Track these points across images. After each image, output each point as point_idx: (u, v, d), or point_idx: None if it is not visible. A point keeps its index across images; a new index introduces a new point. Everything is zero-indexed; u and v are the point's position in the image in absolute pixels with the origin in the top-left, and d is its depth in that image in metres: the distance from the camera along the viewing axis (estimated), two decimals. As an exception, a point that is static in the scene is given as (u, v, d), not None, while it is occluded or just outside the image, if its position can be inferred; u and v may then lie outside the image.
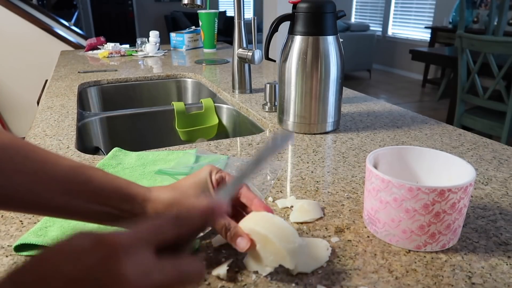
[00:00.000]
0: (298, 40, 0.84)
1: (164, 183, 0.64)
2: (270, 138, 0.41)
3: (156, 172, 0.63)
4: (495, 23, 3.44)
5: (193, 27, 2.29)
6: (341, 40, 0.88)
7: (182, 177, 0.49)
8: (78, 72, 1.54)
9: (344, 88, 1.17)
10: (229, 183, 0.39)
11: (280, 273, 0.44)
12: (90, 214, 0.42)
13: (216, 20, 2.01)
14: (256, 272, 0.44)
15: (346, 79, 5.68)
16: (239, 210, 0.49)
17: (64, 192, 0.40)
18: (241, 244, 0.41)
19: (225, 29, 7.08)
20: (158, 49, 1.97)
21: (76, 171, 0.40)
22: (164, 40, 2.12)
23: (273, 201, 0.60)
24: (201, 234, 0.50)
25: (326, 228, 0.53)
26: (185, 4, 1.16)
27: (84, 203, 0.41)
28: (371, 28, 6.33)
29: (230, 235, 0.42)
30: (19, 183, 0.37)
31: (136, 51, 1.97)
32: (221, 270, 0.43)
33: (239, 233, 0.42)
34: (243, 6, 1.14)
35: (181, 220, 0.31)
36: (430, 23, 5.59)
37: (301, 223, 0.54)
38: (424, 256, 0.47)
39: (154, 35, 1.93)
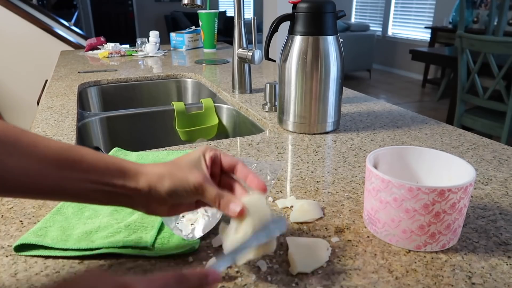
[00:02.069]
0: (298, 40, 0.84)
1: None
2: (266, 221, 0.41)
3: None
4: (495, 23, 3.44)
5: (193, 27, 2.29)
6: (341, 40, 0.88)
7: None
8: (78, 72, 1.54)
9: (344, 88, 1.17)
10: (225, 256, 0.40)
11: (280, 273, 0.44)
12: (83, 194, 0.42)
13: (216, 20, 2.01)
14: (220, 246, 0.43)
15: (346, 79, 5.69)
16: (231, 183, 0.49)
17: (56, 173, 0.40)
18: (234, 208, 0.42)
19: (225, 29, 7.08)
20: (158, 49, 1.97)
21: (67, 151, 0.41)
22: (164, 40, 2.12)
23: (273, 201, 0.60)
24: (202, 234, 0.50)
25: (326, 228, 0.53)
26: (185, 4, 1.16)
27: (77, 182, 0.41)
28: (371, 28, 6.33)
29: (223, 203, 0.43)
30: (11, 167, 0.38)
31: (136, 51, 1.97)
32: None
33: (231, 200, 0.43)
34: (243, 6, 1.14)
35: (183, 282, 0.34)
36: (430, 23, 5.59)
37: (301, 223, 0.54)
38: (424, 256, 0.47)
39: (154, 35, 1.93)
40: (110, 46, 1.92)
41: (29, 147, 0.39)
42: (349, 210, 0.57)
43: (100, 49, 2.02)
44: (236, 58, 1.19)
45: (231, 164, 0.48)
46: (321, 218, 0.55)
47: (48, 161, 0.40)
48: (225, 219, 0.55)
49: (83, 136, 1.02)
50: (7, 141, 0.38)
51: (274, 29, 0.86)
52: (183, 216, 0.53)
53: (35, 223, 0.54)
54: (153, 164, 0.45)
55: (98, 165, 0.42)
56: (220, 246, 0.49)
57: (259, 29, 4.90)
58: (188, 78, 1.54)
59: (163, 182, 0.42)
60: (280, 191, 0.63)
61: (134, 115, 1.16)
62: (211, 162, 0.47)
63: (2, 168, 0.38)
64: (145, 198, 0.43)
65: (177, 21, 7.50)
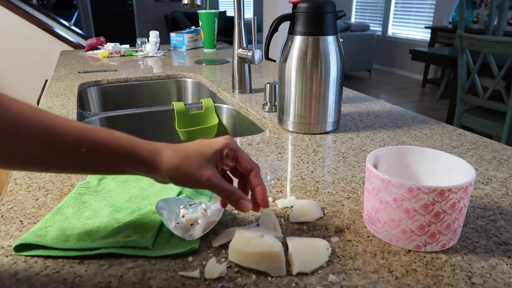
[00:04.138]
0: (298, 40, 0.84)
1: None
2: None
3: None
4: (495, 23, 3.44)
5: (193, 27, 2.29)
6: (341, 40, 0.88)
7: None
8: (78, 72, 1.54)
9: (344, 88, 1.17)
10: None
11: (280, 273, 0.44)
12: (97, 171, 0.47)
13: (216, 20, 2.01)
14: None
15: (346, 79, 5.69)
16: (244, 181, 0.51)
17: (73, 154, 0.43)
18: (244, 205, 0.46)
19: (225, 29, 7.08)
20: (158, 49, 1.97)
21: (83, 134, 0.43)
22: (164, 40, 2.12)
23: (273, 201, 0.60)
24: (201, 234, 0.50)
25: (326, 228, 0.53)
26: (185, 4, 1.16)
27: (92, 164, 0.44)
28: (371, 28, 6.33)
29: (234, 199, 0.46)
30: (33, 147, 0.41)
31: (136, 51, 1.97)
32: (221, 269, 0.44)
33: (242, 196, 0.46)
34: (243, 6, 1.14)
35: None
36: (430, 23, 5.59)
37: (301, 223, 0.54)
38: (424, 256, 0.47)
39: (154, 35, 1.93)
40: (110, 46, 1.92)
41: (48, 129, 0.42)
42: (349, 210, 0.57)
43: (100, 49, 2.02)
44: (236, 58, 1.19)
45: (247, 169, 0.49)
46: (321, 218, 0.55)
47: (65, 143, 0.42)
48: (223, 220, 0.55)
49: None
50: (30, 122, 0.41)
51: (274, 29, 0.86)
52: (183, 216, 0.53)
53: (35, 223, 0.54)
54: (165, 150, 0.45)
55: (111, 150, 0.44)
56: (220, 246, 0.49)
57: (259, 29, 4.90)
58: (188, 78, 1.54)
59: (173, 174, 0.45)
60: (280, 191, 0.63)
61: (134, 115, 1.16)
62: (227, 159, 0.48)
63: (27, 148, 0.41)
64: (157, 179, 0.47)
65: (177, 21, 7.50)
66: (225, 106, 1.23)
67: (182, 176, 0.45)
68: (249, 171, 0.48)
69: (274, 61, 1.00)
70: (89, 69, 1.60)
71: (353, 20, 7.00)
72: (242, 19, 1.16)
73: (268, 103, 1.05)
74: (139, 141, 0.45)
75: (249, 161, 0.48)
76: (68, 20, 4.26)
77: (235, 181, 0.52)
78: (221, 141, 0.47)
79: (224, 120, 1.24)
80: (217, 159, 0.47)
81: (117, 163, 0.44)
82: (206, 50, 2.06)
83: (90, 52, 1.99)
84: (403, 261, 0.46)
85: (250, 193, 0.51)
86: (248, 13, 8.27)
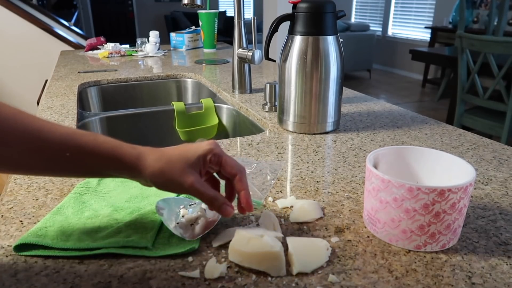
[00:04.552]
0: (298, 40, 0.84)
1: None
2: None
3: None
4: (495, 23, 3.44)
5: (193, 27, 2.29)
6: (341, 40, 0.88)
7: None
8: (78, 72, 1.54)
9: (344, 88, 1.17)
10: None
11: (280, 273, 0.44)
12: (82, 174, 0.48)
13: (216, 20, 2.01)
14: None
15: (346, 79, 5.69)
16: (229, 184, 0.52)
17: (58, 158, 0.44)
18: (227, 210, 0.47)
19: (225, 29, 7.08)
20: (158, 49, 1.97)
21: (68, 138, 0.44)
22: (164, 40, 2.12)
23: (273, 201, 0.60)
24: (201, 234, 0.50)
25: (326, 228, 0.53)
26: (185, 4, 1.16)
27: (76, 168, 0.46)
28: (371, 28, 6.33)
29: (217, 205, 0.47)
30: (20, 151, 0.42)
31: (136, 51, 1.97)
32: (221, 269, 0.44)
33: (224, 202, 0.47)
34: (243, 6, 1.14)
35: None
36: (430, 23, 5.59)
37: (301, 223, 0.54)
38: (424, 256, 0.47)
39: (154, 35, 1.93)
40: (110, 46, 1.92)
41: (34, 133, 0.42)
42: (349, 210, 0.57)
43: (100, 49, 2.02)
44: (236, 58, 1.19)
45: (231, 174, 0.49)
46: (321, 218, 0.55)
47: (51, 148, 0.43)
48: (223, 220, 0.55)
49: (83, 136, 1.02)
50: (16, 127, 0.41)
51: (274, 29, 0.86)
52: (183, 216, 0.53)
53: (35, 223, 0.54)
54: (151, 153, 0.46)
55: (94, 155, 0.44)
56: (220, 246, 0.49)
57: (259, 29, 4.90)
58: (188, 78, 1.54)
59: (157, 179, 0.45)
60: (280, 191, 0.63)
61: (134, 115, 1.16)
62: (210, 164, 0.48)
63: (13, 153, 0.42)
64: (141, 182, 0.48)
65: (177, 21, 7.50)
66: (225, 106, 1.23)
67: (165, 181, 0.45)
68: (233, 175, 0.49)
69: (274, 61, 1.00)
70: (89, 69, 1.60)
71: (353, 20, 7.00)
72: (242, 19, 1.16)
73: (268, 103, 1.05)
74: (123, 146, 0.46)
75: (233, 166, 0.49)
76: (68, 20, 4.26)
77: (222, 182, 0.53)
78: (204, 146, 0.47)
79: (224, 120, 1.24)
80: (200, 164, 0.47)
81: (101, 167, 0.45)
82: (206, 50, 2.06)
83: (90, 52, 1.99)
84: (403, 261, 0.46)
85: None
86: (248, 13, 8.27)
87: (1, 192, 0.63)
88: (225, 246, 0.48)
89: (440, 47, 4.74)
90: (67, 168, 0.45)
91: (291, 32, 0.85)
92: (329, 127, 0.89)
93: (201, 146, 0.47)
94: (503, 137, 2.27)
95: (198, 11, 1.95)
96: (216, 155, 0.48)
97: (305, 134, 0.88)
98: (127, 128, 1.15)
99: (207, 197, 0.46)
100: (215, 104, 1.23)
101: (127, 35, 8.12)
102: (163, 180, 0.45)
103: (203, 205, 0.56)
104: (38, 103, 1.95)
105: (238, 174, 0.49)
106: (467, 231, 0.52)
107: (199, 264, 0.46)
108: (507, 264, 0.46)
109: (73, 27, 3.73)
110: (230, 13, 7.97)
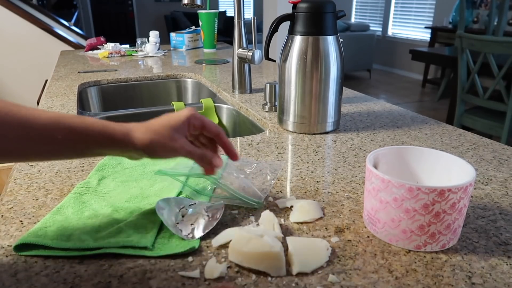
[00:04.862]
0: (298, 40, 0.84)
1: (164, 184, 0.64)
2: None
3: (156, 173, 0.63)
4: (495, 23, 3.44)
5: (193, 27, 2.29)
6: (341, 40, 0.88)
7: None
8: (78, 72, 1.54)
9: (344, 88, 1.17)
10: None
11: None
12: (74, 156, 0.50)
13: (216, 20, 2.01)
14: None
15: (346, 79, 5.69)
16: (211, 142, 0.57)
17: (50, 142, 0.45)
18: (217, 161, 0.53)
19: (225, 29, 7.08)
20: (158, 49, 1.97)
21: (57, 122, 0.45)
22: (164, 40, 2.12)
23: (273, 201, 0.60)
24: (202, 234, 0.50)
25: (326, 228, 0.53)
26: (185, 4, 1.16)
27: (69, 149, 0.47)
28: (371, 28, 6.33)
29: (207, 160, 0.52)
30: (11, 139, 0.43)
31: (136, 51, 1.97)
32: (221, 269, 0.44)
33: (214, 155, 0.53)
34: (243, 6, 1.15)
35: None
36: (430, 23, 5.59)
37: (301, 223, 0.54)
38: (424, 256, 0.47)
39: (154, 35, 1.93)
40: (110, 46, 1.92)
41: (21, 119, 0.44)
42: (349, 210, 0.57)
43: (100, 49, 2.02)
44: (236, 58, 1.19)
45: (215, 132, 0.54)
46: (321, 218, 0.55)
47: (39, 133, 0.44)
48: (223, 220, 0.55)
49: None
50: (5, 116, 0.43)
51: (274, 29, 0.86)
52: (183, 216, 0.54)
53: (35, 223, 0.54)
54: (138, 127, 0.49)
55: (87, 135, 0.47)
56: (220, 246, 0.49)
57: (259, 29, 4.90)
58: (188, 78, 1.54)
59: (149, 149, 0.49)
60: (280, 191, 0.63)
61: (134, 115, 1.16)
62: (193, 128, 0.53)
63: (1, 140, 0.43)
64: (131, 156, 0.51)
65: (177, 21, 7.50)
66: (225, 106, 1.23)
67: (158, 149, 0.49)
68: (216, 134, 0.54)
69: (274, 61, 1.00)
70: (89, 69, 1.60)
71: (353, 20, 7.00)
72: (242, 19, 1.16)
73: (268, 103, 1.05)
74: (111, 124, 0.49)
75: (214, 125, 0.54)
76: (68, 20, 4.26)
77: None
78: (185, 113, 0.52)
79: (224, 120, 1.24)
80: (185, 129, 0.51)
81: (94, 146, 0.48)
82: (206, 50, 2.06)
83: (90, 52, 1.99)
84: (403, 261, 0.46)
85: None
86: (248, 13, 8.27)
87: (1, 192, 0.63)
88: (225, 246, 0.48)
89: (440, 47, 4.74)
90: (59, 151, 0.47)
91: (291, 32, 0.85)
92: (329, 127, 0.89)
93: (182, 113, 0.52)
94: (503, 137, 2.27)
95: (198, 11, 1.95)
96: (197, 118, 0.52)
97: (305, 134, 0.88)
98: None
99: (197, 154, 0.51)
100: (215, 104, 1.23)
101: (127, 35, 8.11)
102: (155, 148, 0.49)
103: (203, 205, 0.56)
104: (38, 103, 1.95)
105: (220, 132, 0.54)
106: (467, 231, 0.52)
107: (199, 264, 0.46)
108: (507, 264, 0.46)
109: (73, 27, 3.73)
110: (230, 13, 7.97)
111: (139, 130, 0.49)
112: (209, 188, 0.63)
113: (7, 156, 0.45)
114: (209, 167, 0.53)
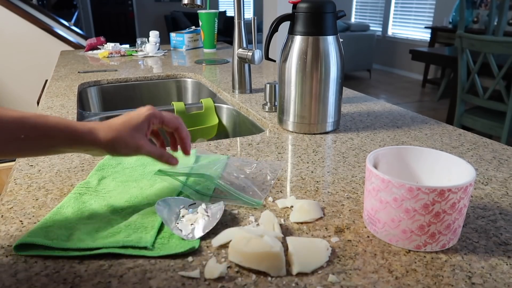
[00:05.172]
0: (298, 40, 0.84)
1: (164, 184, 0.64)
2: None
3: (156, 173, 0.63)
4: (495, 23, 3.44)
5: (193, 27, 2.29)
6: (341, 40, 0.88)
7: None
8: (78, 72, 1.54)
9: (344, 88, 1.17)
10: None
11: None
12: (38, 154, 0.51)
13: (216, 20, 2.01)
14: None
15: (346, 79, 5.69)
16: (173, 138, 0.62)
17: (13, 140, 0.47)
18: (173, 161, 0.58)
19: (225, 29, 7.08)
20: (158, 49, 1.97)
21: (21, 121, 0.47)
22: (164, 40, 2.12)
23: (273, 201, 0.60)
24: (202, 234, 0.50)
25: (326, 228, 0.53)
26: (185, 4, 1.16)
27: (34, 147, 0.49)
28: (371, 28, 6.33)
29: (165, 159, 0.57)
30: None
31: (136, 51, 1.97)
32: (221, 269, 0.44)
33: (170, 156, 0.58)
34: (243, 6, 1.15)
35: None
36: (430, 23, 5.59)
37: (301, 223, 0.54)
38: (424, 256, 0.47)
39: (154, 35, 1.93)
40: (110, 46, 1.92)
41: None
42: (349, 210, 0.57)
43: (100, 49, 2.02)
44: (236, 58, 1.19)
45: (174, 127, 0.58)
46: (321, 218, 0.55)
47: (4, 131, 0.46)
48: (223, 220, 0.55)
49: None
50: None
51: (274, 29, 0.86)
52: (183, 216, 0.54)
53: (35, 223, 0.54)
54: (100, 126, 0.52)
55: (49, 134, 0.48)
56: (220, 246, 0.49)
57: (259, 29, 4.90)
58: (188, 78, 1.54)
59: (111, 148, 0.52)
60: (280, 191, 0.63)
61: (134, 115, 1.15)
62: (154, 125, 0.56)
63: None
64: (94, 153, 0.54)
65: (177, 21, 7.50)
66: (225, 106, 1.23)
67: (120, 147, 0.52)
68: (175, 128, 0.58)
69: (274, 61, 1.00)
70: (89, 69, 1.60)
71: (353, 20, 7.00)
72: (242, 19, 1.16)
73: (268, 103, 1.05)
74: (73, 123, 0.50)
75: (173, 120, 0.58)
76: (68, 20, 4.26)
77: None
78: (145, 112, 0.55)
79: (224, 120, 1.24)
80: (145, 127, 0.54)
81: (57, 144, 0.50)
82: (206, 50, 2.06)
83: (90, 52, 1.99)
84: (403, 261, 0.46)
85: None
86: (248, 13, 8.27)
87: (1, 192, 0.63)
88: (225, 246, 0.48)
89: (440, 47, 4.74)
90: (23, 149, 0.48)
91: (291, 32, 0.85)
92: (329, 127, 0.89)
93: (142, 112, 0.55)
94: (503, 137, 2.27)
95: (198, 11, 1.95)
96: (157, 116, 0.56)
97: (305, 134, 0.88)
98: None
99: (156, 154, 0.56)
100: (215, 104, 1.23)
101: (127, 35, 8.11)
102: (116, 147, 0.52)
103: (203, 205, 0.56)
104: (38, 103, 1.95)
105: (179, 127, 0.58)
106: (467, 231, 0.52)
107: (199, 264, 0.46)
108: (507, 264, 0.46)
109: (73, 27, 3.73)
110: (230, 13, 7.97)
111: (102, 128, 0.51)
112: (209, 188, 0.63)
113: None
114: (167, 164, 0.58)
